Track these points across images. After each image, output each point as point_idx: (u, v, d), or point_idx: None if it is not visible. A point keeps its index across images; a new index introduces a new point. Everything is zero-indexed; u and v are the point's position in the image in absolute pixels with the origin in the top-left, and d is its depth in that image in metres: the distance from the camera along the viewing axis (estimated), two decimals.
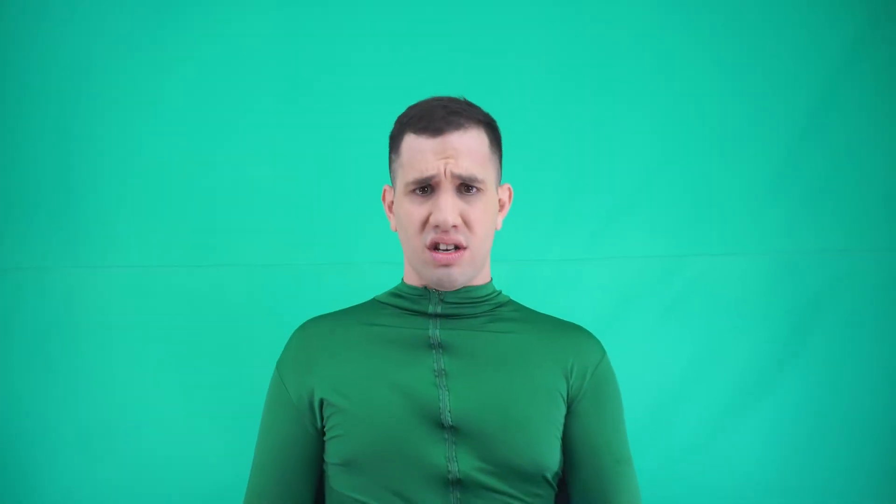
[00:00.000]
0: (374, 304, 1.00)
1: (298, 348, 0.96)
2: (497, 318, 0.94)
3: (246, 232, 1.69)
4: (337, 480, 0.88)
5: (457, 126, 0.85)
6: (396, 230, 0.95)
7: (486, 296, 0.94)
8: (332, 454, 0.89)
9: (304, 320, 1.03)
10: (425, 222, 0.86)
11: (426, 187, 0.86)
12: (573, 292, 1.67)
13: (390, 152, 0.96)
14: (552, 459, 0.86)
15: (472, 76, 1.67)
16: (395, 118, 1.00)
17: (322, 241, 1.68)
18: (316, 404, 0.89)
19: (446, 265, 0.85)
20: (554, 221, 1.68)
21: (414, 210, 0.86)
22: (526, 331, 0.93)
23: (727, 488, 1.64)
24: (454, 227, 0.83)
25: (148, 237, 1.69)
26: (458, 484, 0.81)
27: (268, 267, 1.68)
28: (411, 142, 0.87)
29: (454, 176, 0.83)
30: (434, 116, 0.85)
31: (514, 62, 1.71)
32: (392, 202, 0.95)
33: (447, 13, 1.72)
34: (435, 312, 0.91)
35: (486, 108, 1.03)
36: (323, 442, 0.90)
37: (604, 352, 0.97)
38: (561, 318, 1.02)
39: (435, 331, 0.90)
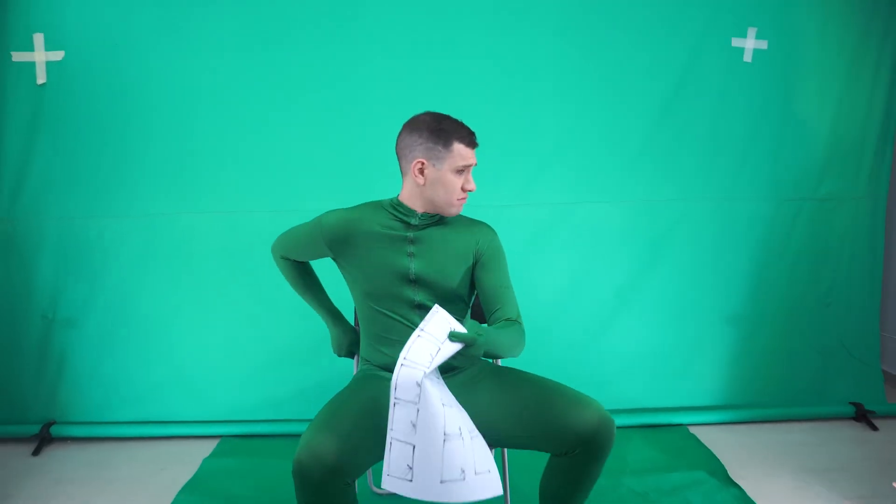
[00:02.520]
0: (379, 208, 1.62)
1: (339, 221, 1.60)
2: (442, 224, 1.63)
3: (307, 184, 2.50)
4: (363, 300, 1.62)
5: (475, 147, 1.57)
6: (421, 183, 1.54)
7: (438, 216, 1.63)
8: (356, 289, 1.63)
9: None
10: (461, 188, 1.55)
11: (462, 172, 1.55)
12: (508, 229, 2.53)
13: (433, 143, 1.51)
14: (464, 291, 1.62)
15: (436, 75, 2.45)
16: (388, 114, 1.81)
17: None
18: (340, 257, 1.62)
19: (459, 208, 1.59)
20: (495, 178, 2.50)
21: (454, 182, 1.53)
22: (454, 228, 1.63)
23: (606, 362, 2.59)
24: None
25: (236, 188, 2.51)
26: (419, 306, 1.58)
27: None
28: (461, 149, 1.52)
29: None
30: (471, 139, 1.54)
31: (471, 63, 2.48)
32: (423, 169, 1.53)
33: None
34: (413, 223, 1.59)
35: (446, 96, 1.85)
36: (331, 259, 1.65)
37: (495, 234, 1.65)
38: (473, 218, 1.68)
39: (409, 232, 1.59)
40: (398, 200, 1.61)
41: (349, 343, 1.82)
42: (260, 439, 2.47)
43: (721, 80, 2.49)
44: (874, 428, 2.46)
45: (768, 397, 2.59)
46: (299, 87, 2.50)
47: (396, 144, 1.59)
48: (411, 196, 1.59)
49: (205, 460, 2.31)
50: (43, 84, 2.46)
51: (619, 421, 2.45)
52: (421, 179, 1.54)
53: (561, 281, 2.56)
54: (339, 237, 1.60)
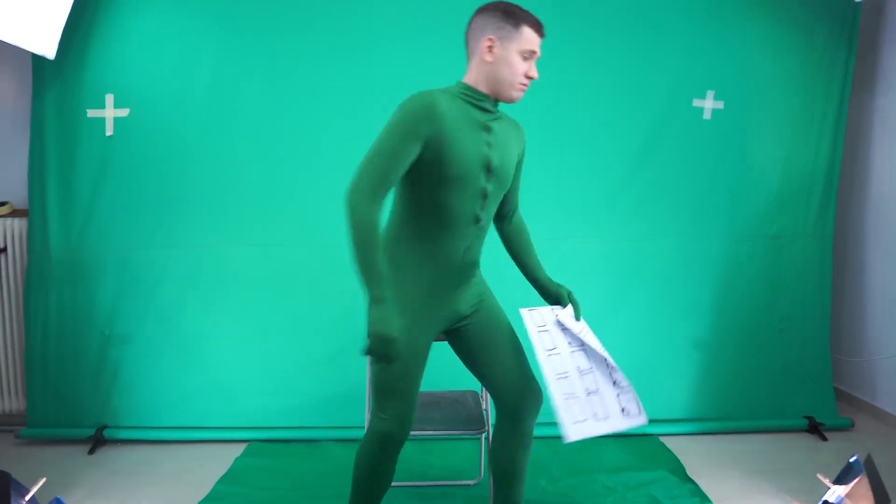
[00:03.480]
0: (449, 94, 1.61)
1: (433, 102, 1.54)
2: (501, 118, 1.71)
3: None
4: (429, 191, 1.60)
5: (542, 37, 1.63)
6: (489, 61, 1.59)
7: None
8: (426, 178, 1.58)
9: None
10: (524, 73, 1.61)
11: (527, 58, 1.61)
12: (501, 258, 2.93)
13: (504, 23, 1.57)
14: (513, 184, 1.80)
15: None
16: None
17: None
18: (430, 143, 1.54)
19: (521, 94, 1.64)
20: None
21: (520, 64, 1.58)
22: (509, 124, 1.73)
23: None
24: None
25: (267, 225, 2.94)
26: (484, 195, 1.65)
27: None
28: (529, 33, 1.58)
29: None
30: (539, 28, 1.61)
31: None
32: (491, 48, 1.58)
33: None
34: (489, 108, 1.64)
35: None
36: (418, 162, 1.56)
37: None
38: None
39: (486, 120, 1.64)
40: (465, 84, 1.66)
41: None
42: (284, 443, 2.84)
43: (685, 135, 2.90)
44: (824, 438, 2.78)
45: (730, 411, 2.92)
46: (326, 138, 2.93)
47: (466, 29, 1.66)
48: (477, 80, 1.64)
49: (236, 459, 2.69)
50: (111, 136, 2.94)
51: None
52: (489, 57, 1.60)
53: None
54: (437, 118, 1.54)
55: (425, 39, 2.87)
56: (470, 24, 1.65)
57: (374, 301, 1.55)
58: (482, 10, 1.63)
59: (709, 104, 2.90)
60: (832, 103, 2.94)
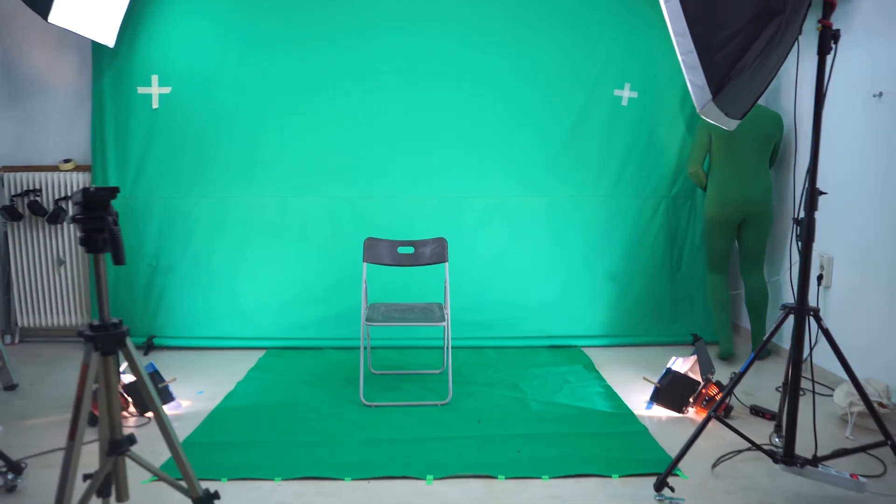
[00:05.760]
0: None
1: None
2: None
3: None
4: None
5: None
6: None
7: None
8: None
9: None
10: None
11: None
12: (463, 212, 3.79)
13: None
14: None
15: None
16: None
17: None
18: None
19: None
20: (455, 176, 3.75)
21: None
22: None
23: (528, 304, 3.80)
24: None
25: (282, 179, 3.74)
26: None
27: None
28: None
29: None
30: None
31: (440, 85, 3.73)
32: None
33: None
34: None
35: None
36: None
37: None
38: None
39: None
40: None
41: None
42: (295, 350, 3.70)
43: (607, 117, 3.73)
44: None
45: (636, 330, 3.83)
46: (332, 113, 3.71)
47: None
48: None
49: (260, 359, 3.55)
50: (156, 109, 3.70)
51: (534, 343, 3.71)
52: None
53: (498, 249, 3.80)
54: None
55: (424, 33, 3.67)
56: None
57: None
58: None
59: (626, 94, 3.73)
60: None
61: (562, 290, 3.82)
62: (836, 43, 1.83)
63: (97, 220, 1.36)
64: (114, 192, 1.38)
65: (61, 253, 3.80)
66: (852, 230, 3.02)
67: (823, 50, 1.84)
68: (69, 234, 3.80)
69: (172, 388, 2.93)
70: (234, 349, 3.72)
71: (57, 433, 2.56)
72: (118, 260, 1.36)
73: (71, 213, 1.24)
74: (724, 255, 3.55)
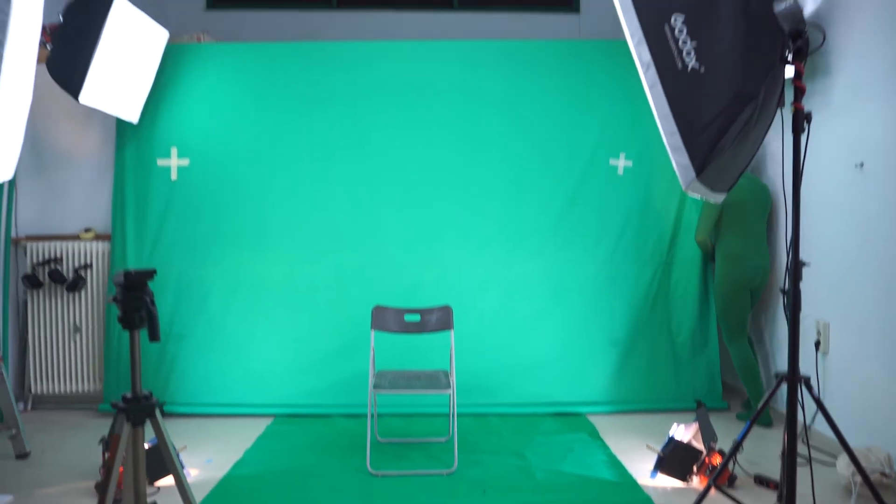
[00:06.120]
0: None
1: None
2: None
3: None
4: None
5: None
6: None
7: None
8: None
9: None
10: None
11: None
12: (469, 272, 3.89)
13: None
14: None
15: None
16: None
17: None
18: None
19: None
20: (464, 241, 3.88)
21: None
22: None
23: (529, 368, 3.84)
24: None
25: (291, 247, 3.87)
26: None
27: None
28: None
29: None
30: None
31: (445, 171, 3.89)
32: None
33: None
34: None
35: None
36: None
37: None
38: None
39: None
40: None
41: None
42: (303, 417, 3.73)
43: (604, 185, 3.88)
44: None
45: (639, 396, 3.85)
46: (336, 186, 3.89)
47: None
48: None
49: (268, 426, 3.59)
50: (174, 180, 3.89)
51: (538, 409, 3.74)
52: None
53: (500, 314, 3.88)
54: None
55: (427, 110, 3.89)
56: None
57: None
58: None
59: (621, 163, 3.89)
60: None
61: (564, 355, 3.87)
62: (808, 123, 1.97)
63: (136, 299, 1.47)
64: (151, 274, 1.50)
65: (77, 320, 3.92)
66: (847, 295, 3.09)
67: (797, 130, 1.97)
68: (87, 301, 3.93)
69: (182, 457, 2.97)
70: (243, 416, 3.76)
71: (70, 503, 2.60)
72: (154, 336, 1.47)
73: (113, 294, 1.36)
74: (744, 321, 3.63)
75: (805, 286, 3.25)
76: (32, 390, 3.90)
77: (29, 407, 3.93)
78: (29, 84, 2.21)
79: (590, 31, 5.58)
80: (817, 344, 3.28)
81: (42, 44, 3.27)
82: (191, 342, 3.87)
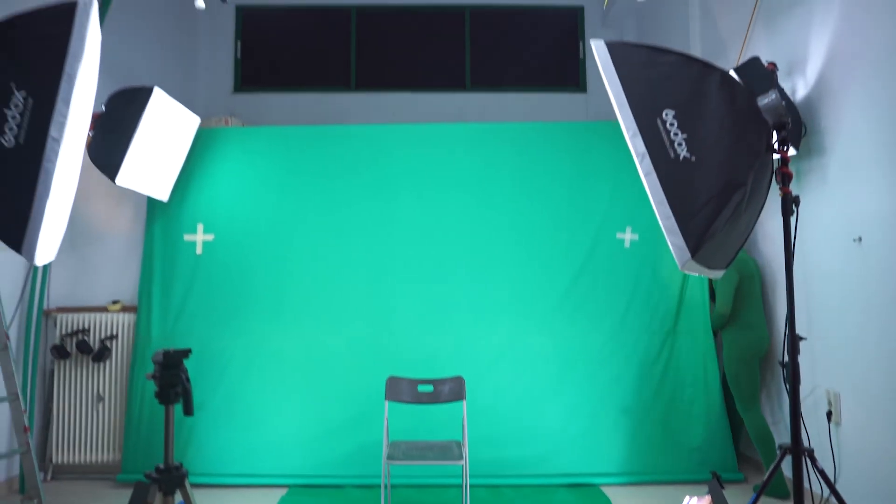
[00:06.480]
0: None
1: None
2: None
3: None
4: None
5: None
6: None
7: None
8: None
9: None
10: None
11: None
12: (482, 346, 3.98)
13: None
14: None
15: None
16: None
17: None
18: None
19: None
20: (475, 316, 3.99)
21: None
22: None
23: (542, 439, 3.88)
24: None
25: (306, 320, 4.01)
26: None
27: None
28: None
29: None
30: None
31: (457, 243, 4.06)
32: None
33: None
34: None
35: None
36: None
37: None
38: None
39: None
40: None
41: None
42: (317, 488, 3.76)
43: (611, 259, 4.02)
44: (722, 487, 3.67)
45: (652, 467, 3.83)
46: (353, 263, 4.06)
47: None
48: None
49: (282, 497, 3.62)
50: (200, 254, 4.08)
51: (552, 480, 3.74)
52: None
53: (512, 384, 3.94)
54: None
55: (440, 185, 4.10)
56: None
57: None
58: None
59: (628, 236, 4.04)
60: None
61: (576, 425, 3.90)
62: (797, 206, 2.10)
63: (173, 376, 1.60)
64: (187, 353, 1.64)
65: (101, 390, 4.04)
66: (856, 366, 3.13)
67: (786, 213, 2.11)
68: (111, 371, 4.06)
69: None
70: (258, 486, 3.79)
71: None
72: (188, 411, 1.59)
73: (152, 371, 1.49)
74: (757, 389, 3.71)
75: (813, 357, 3.35)
76: (53, 460, 3.98)
77: (49, 477, 4.00)
78: (76, 174, 2.43)
79: (597, 109, 5.88)
80: (829, 414, 3.29)
81: None
82: (208, 412, 3.96)
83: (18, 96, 1.96)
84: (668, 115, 2.07)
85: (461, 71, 6.11)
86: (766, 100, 2.09)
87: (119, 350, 4.08)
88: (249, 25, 6.19)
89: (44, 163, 1.99)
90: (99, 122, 3.46)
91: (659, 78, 2.12)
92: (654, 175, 2.12)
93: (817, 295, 3.36)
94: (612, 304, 4.00)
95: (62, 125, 2.04)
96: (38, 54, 2.00)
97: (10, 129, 1.95)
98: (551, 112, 5.88)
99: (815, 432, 3.34)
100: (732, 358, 3.72)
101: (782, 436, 3.70)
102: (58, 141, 2.06)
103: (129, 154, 3.44)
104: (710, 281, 3.97)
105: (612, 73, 2.20)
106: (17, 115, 1.96)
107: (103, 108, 3.48)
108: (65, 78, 2.00)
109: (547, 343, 3.97)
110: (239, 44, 6.16)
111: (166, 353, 1.60)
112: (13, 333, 3.70)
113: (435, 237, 4.07)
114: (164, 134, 3.73)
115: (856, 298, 3.11)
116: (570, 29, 6.20)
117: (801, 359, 3.20)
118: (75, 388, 4.03)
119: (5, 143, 1.94)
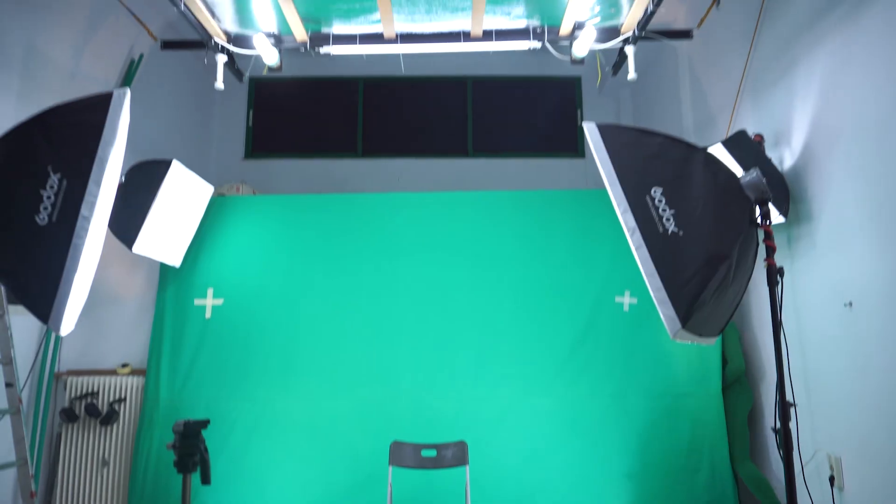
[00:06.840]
0: None
1: None
2: None
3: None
4: None
5: None
6: None
7: None
8: None
9: None
10: None
11: None
12: (484, 409, 4.03)
13: None
14: None
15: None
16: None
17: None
18: None
19: None
20: (476, 379, 4.05)
21: None
22: None
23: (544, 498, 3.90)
24: None
25: (311, 384, 4.08)
26: None
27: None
28: None
29: None
30: None
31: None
32: None
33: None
34: None
35: None
36: None
37: None
38: None
39: None
40: None
41: None
42: None
43: (611, 323, 4.10)
44: None
45: None
46: (361, 327, 4.15)
47: None
48: None
49: None
50: (209, 318, 4.19)
51: None
52: None
53: (515, 447, 3.95)
54: None
55: (443, 250, 4.23)
56: None
57: None
58: None
59: (627, 300, 4.14)
60: None
61: (580, 489, 3.89)
62: (781, 278, 2.21)
63: (191, 446, 1.68)
64: (205, 423, 1.72)
65: (107, 454, 4.07)
66: (855, 429, 3.16)
67: (772, 283, 2.22)
68: (118, 435, 4.10)
69: None
70: None
71: None
72: (205, 480, 1.65)
73: (172, 441, 1.55)
74: (748, 443, 3.88)
75: (812, 421, 3.37)
76: None
77: None
78: (100, 247, 2.57)
79: (595, 174, 6.05)
80: (832, 479, 3.30)
81: None
82: (213, 475, 3.96)
83: (54, 178, 2.12)
84: (657, 192, 2.21)
85: (463, 138, 6.35)
86: (748, 177, 2.23)
87: (127, 413, 4.14)
88: (262, 94, 6.49)
89: (74, 239, 2.13)
90: (118, 193, 3.63)
91: (647, 157, 2.27)
92: (644, 249, 2.24)
93: (814, 359, 3.42)
94: (612, 367, 4.05)
95: (92, 205, 2.19)
96: (75, 140, 2.18)
97: (45, 208, 2.11)
98: (551, 177, 6.07)
99: (818, 498, 3.34)
100: (736, 413, 3.89)
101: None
102: (87, 219, 2.21)
103: (146, 224, 3.60)
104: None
105: (604, 153, 2.36)
106: (52, 196, 2.12)
107: (122, 179, 3.66)
108: (97, 162, 2.17)
109: (550, 406, 4.01)
110: (251, 112, 6.44)
111: (186, 424, 1.69)
112: (24, 396, 3.78)
113: (439, 301, 4.17)
114: (180, 203, 3.90)
115: (852, 362, 3.17)
116: (569, 98, 6.47)
117: (801, 423, 3.25)
118: (81, 452, 4.07)
119: (39, 222, 2.09)
